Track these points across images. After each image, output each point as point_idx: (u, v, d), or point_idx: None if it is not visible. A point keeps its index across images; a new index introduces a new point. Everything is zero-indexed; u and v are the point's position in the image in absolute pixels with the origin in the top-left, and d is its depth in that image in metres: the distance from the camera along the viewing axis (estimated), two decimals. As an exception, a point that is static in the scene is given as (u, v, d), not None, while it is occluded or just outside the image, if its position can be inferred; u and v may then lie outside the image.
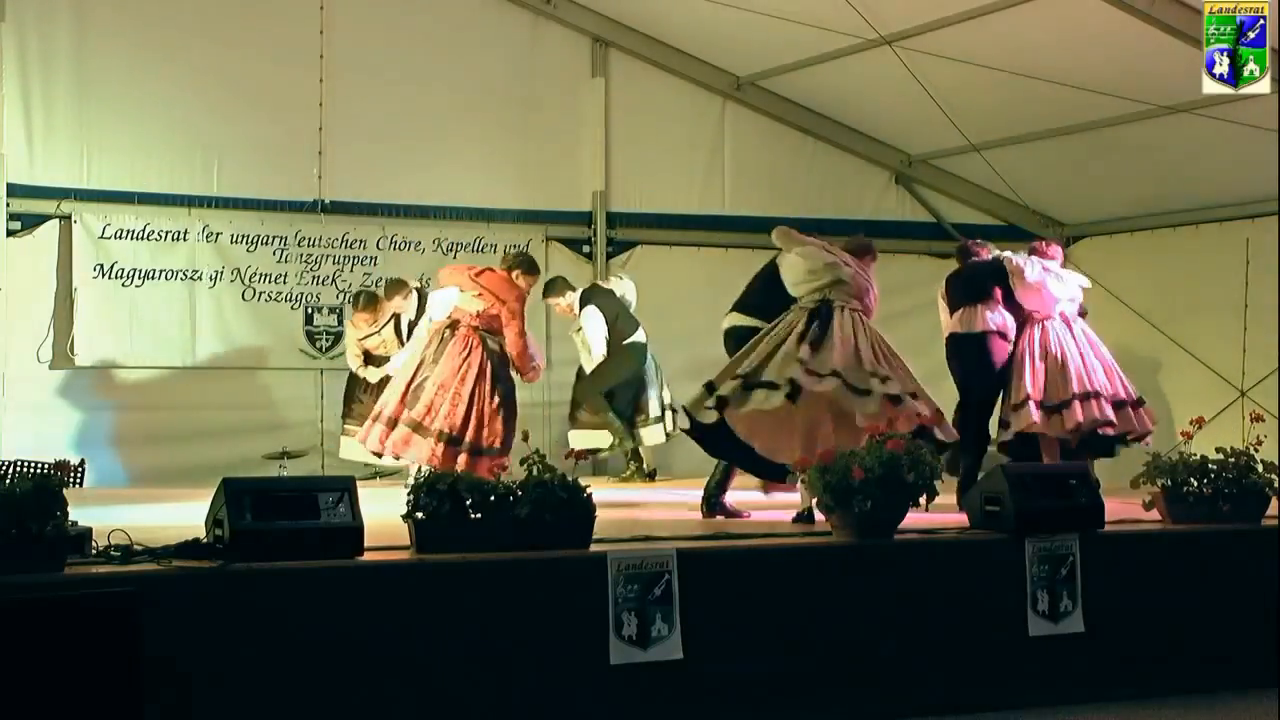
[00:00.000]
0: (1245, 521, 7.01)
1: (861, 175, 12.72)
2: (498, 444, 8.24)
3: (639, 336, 10.42)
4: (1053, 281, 8.76)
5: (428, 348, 8.55)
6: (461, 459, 8.09)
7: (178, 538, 5.46)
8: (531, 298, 9.14)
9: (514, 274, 8.72)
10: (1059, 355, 8.62)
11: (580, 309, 10.39)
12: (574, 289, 10.52)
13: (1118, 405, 8.68)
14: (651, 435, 10.57)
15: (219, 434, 10.78)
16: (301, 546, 5.34)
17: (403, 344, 9.90)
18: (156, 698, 4.66)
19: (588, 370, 10.52)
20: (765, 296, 8.11)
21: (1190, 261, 11.55)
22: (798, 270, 7.90)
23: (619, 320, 10.38)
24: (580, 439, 10.66)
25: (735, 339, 8.16)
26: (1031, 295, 8.74)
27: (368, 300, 10.17)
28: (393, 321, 10.08)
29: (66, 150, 10.57)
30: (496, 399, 8.32)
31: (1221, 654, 6.71)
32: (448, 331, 8.50)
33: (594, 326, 10.30)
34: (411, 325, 9.88)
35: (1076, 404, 8.54)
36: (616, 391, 10.38)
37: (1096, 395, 8.59)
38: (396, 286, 10.07)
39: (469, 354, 8.35)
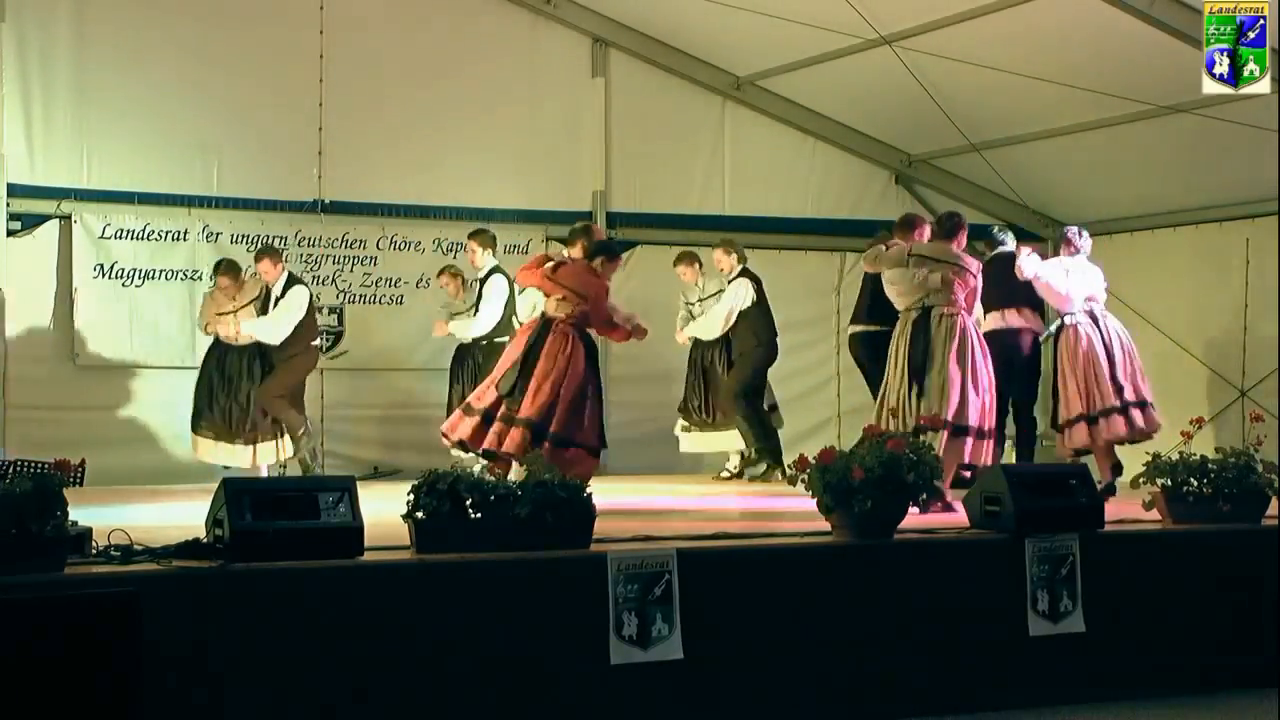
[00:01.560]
0: (1245, 521, 7.01)
1: (861, 175, 12.72)
2: (592, 440, 8.11)
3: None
4: (1063, 278, 9.04)
5: (520, 342, 8.30)
6: (545, 448, 7.78)
7: (178, 538, 5.47)
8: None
9: (596, 262, 8.41)
10: (1091, 361, 8.94)
11: (489, 275, 10.34)
12: (493, 250, 10.45)
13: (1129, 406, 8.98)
14: None
15: (219, 433, 10.79)
16: (301, 546, 5.34)
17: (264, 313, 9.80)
18: (156, 698, 4.66)
19: (456, 329, 10.42)
20: (878, 305, 8.95)
21: (1190, 261, 11.55)
22: (892, 293, 8.45)
23: (511, 311, 10.30)
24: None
25: (861, 343, 9.62)
26: (1044, 291, 9.18)
27: (229, 266, 9.98)
28: (256, 302, 9.91)
29: (66, 150, 10.56)
30: (590, 394, 8.16)
31: (1221, 654, 6.71)
32: (542, 326, 8.26)
33: (499, 297, 10.25)
34: (277, 300, 9.80)
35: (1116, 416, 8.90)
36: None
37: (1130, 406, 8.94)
38: (268, 253, 9.96)
39: (571, 350, 8.14)
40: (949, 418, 7.93)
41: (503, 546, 5.65)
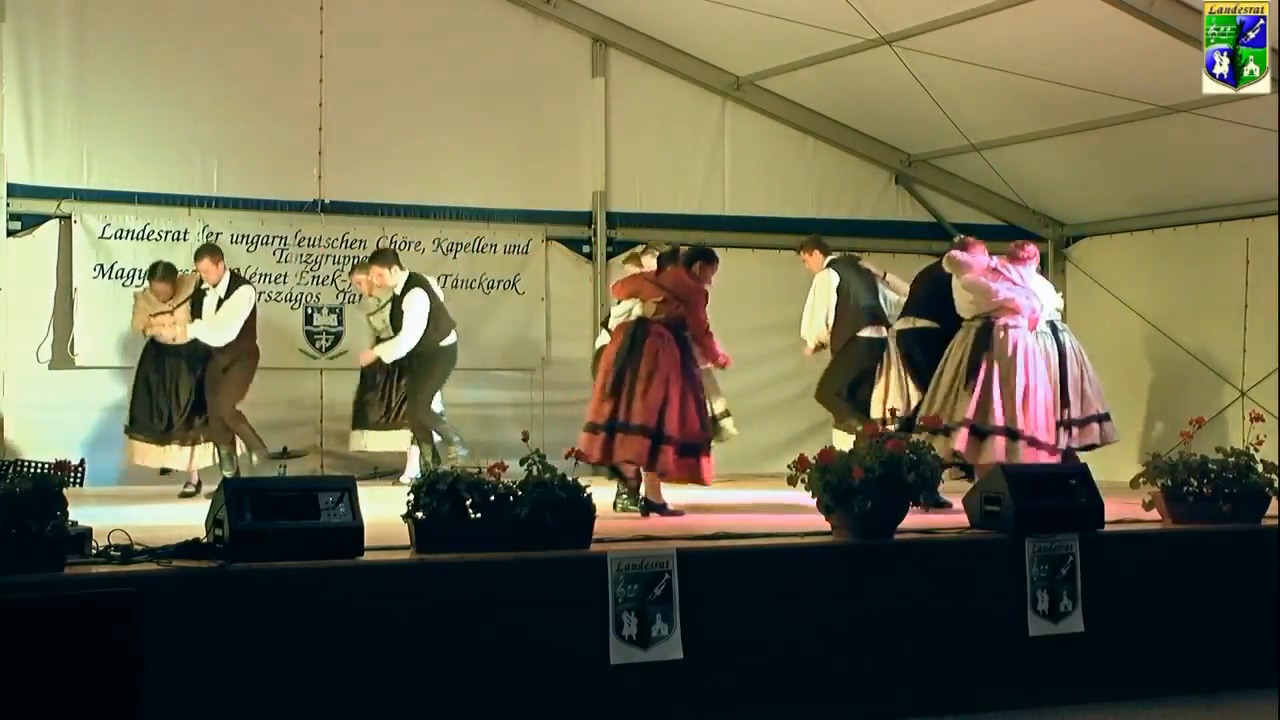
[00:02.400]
0: (1245, 521, 7.02)
1: (861, 175, 12.71)
2: (701, 438, 8.04)
3: (454, 338, 10.28)
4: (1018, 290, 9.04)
5: (618, 348, 8.21)
6: (668, 453, 7.90)
7: (178, 538, 5.47)
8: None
9: (695, 267, 8.40)
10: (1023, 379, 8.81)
11: (406, 290, 10.10)
12: (403, 267, 10.21)
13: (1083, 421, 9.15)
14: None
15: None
16: (301, 546, 5.35)
17: (198, 316, 9.44)
18: (156, 698, 4.66)
19: (382, 353, 10.15)
20: (936, 303, 9.08)
21: (1190, 261, 11.54)
22: (963, 301, 8.83)
23: (440, 318, 10.19)
24: (377, 440, 10.37)
25: (913, 339, 9.28)
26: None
27: (165, 271, 9.61)
28: (190, 299, 9.53)
29: (66, 150, 10.55)
30: (693, 392, 8.12)
31: (1221, 654, 6.72)
32: (637, 330, 8.19)
33: (419, 313, 10.02)
34: (220, 302, 9.45)
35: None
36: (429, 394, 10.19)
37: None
38: (210, 252, 9.63)
39: (669, 348, 8.07)
40: (1021, 427, 8.38)
41: (503, 546, 5.66)
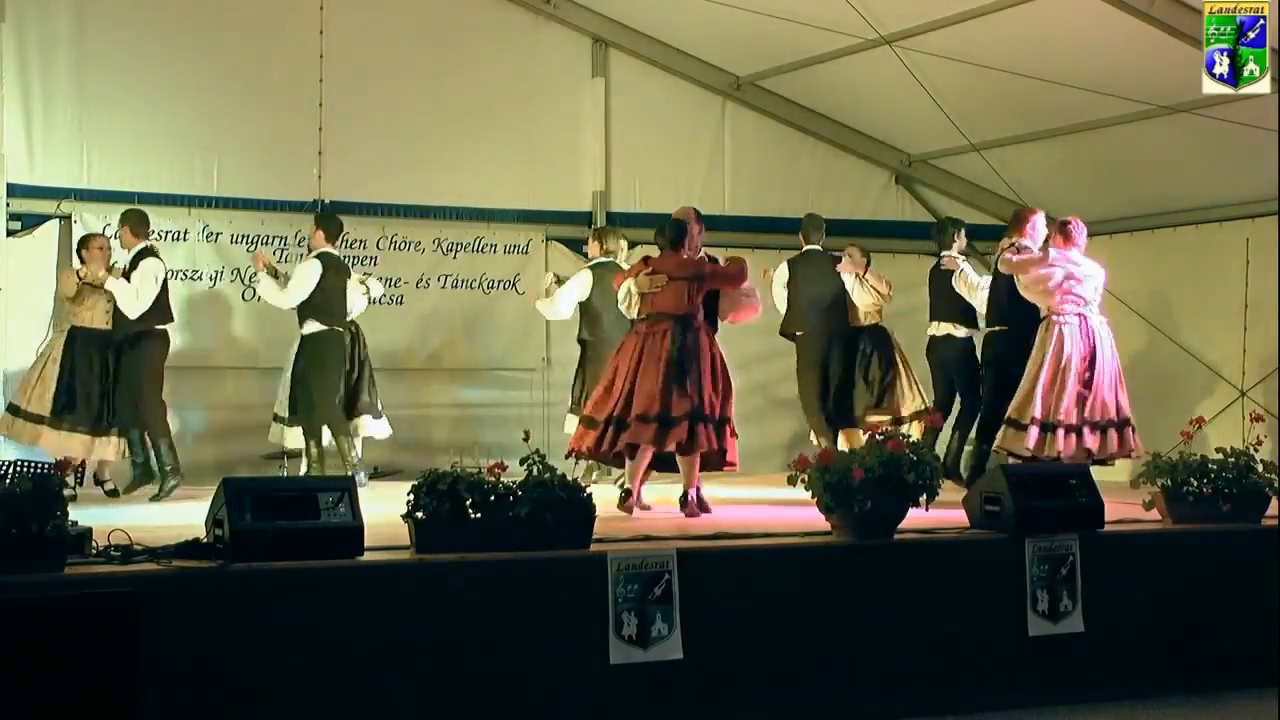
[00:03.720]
0: (1245, 521, 7.03)
1: (861, 175, 12.71)
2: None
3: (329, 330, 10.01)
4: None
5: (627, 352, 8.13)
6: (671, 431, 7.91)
7: (178, 538, 5.48)
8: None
9: (692, 238, 8.30)
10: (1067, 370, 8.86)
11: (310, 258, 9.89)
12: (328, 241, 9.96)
13: (1104, 426, 8.83)
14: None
15: (219, 434, 10.78)
16: (301, 546, 5.35)
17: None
18: (157, 698, 4.66)
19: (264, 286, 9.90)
20: (1006, 307, 9.20)
21: (1190, 261, 11.54)
22: (1035, 294, 8.93)
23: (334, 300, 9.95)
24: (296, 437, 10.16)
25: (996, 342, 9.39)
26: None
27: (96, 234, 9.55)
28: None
29: (66, 150, 10.55)
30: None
31: (1221, 654, 6.72)
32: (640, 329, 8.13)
33: (305, 277, 9.77)
34: (126, 272, 9.18)
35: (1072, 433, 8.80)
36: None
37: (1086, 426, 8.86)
38: (132, 217, 9.45)
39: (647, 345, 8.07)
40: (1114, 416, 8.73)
41: (503, 546, 5.66)
